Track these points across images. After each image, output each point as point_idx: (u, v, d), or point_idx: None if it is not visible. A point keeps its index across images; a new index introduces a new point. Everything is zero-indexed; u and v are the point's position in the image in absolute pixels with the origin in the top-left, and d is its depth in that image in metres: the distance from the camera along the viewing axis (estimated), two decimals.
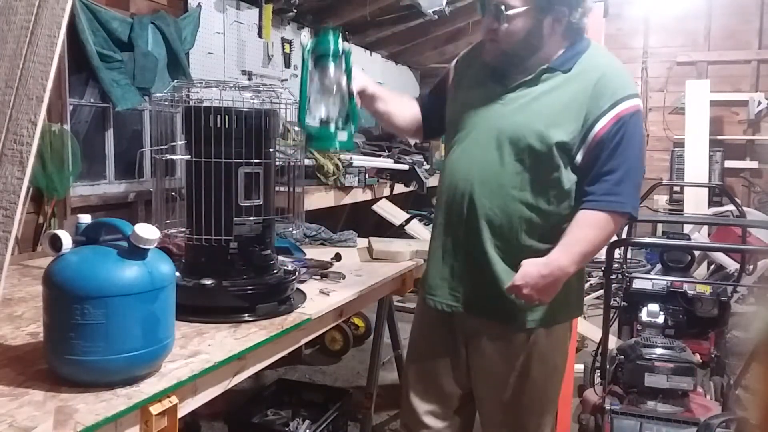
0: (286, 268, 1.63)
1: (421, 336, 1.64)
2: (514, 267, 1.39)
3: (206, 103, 1.47)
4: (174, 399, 1.10)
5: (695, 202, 5.47)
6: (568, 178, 1.38)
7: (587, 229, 1.35)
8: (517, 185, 1.38)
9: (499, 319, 1.45)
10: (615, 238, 1.78)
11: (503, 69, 1.43)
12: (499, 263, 1.42)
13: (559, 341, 1.50)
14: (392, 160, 3.97)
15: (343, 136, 1.43)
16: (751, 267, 3.71)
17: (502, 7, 1.33)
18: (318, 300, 1.68)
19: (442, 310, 1.51)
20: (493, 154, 1.39)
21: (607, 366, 2.14)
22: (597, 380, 2.20)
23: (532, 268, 1.35)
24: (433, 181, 4.06)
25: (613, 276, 2.46)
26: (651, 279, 2.81)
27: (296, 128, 2.11)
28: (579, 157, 1.37)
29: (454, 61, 1.60)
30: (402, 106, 1.63)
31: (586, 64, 1.38)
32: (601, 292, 3.19)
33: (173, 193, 1.56)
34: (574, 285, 1.46)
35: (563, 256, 1.35)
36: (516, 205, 1.39)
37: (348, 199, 3.32)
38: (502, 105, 1.41)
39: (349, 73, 1.44)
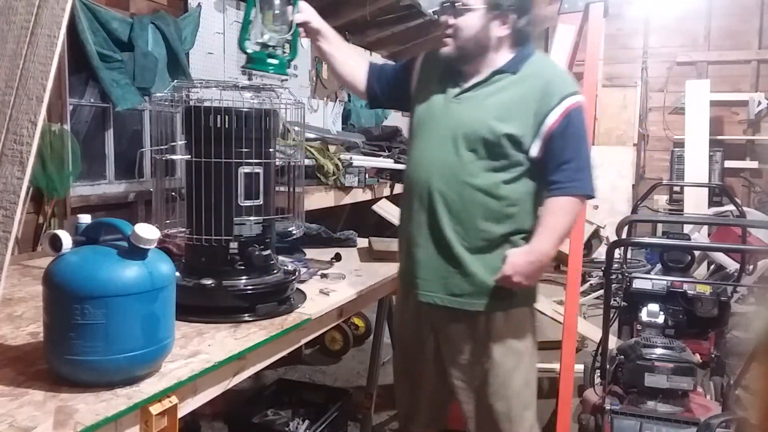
0: (286, 268, 1.63)
1: (401, 327, 1.77)
2: (472, 250, 1.52)
3: (206, 103, 1.47)
4: (174, 399, 1.10)
5: (695, 202, 5.47)
6: (519, 167, 1.51)
7: (560, 215, 1.49)
8: (472, 173, 1.50)
9: (459, 301, 1.55)
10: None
11: (458, 68, 1.56)
12: (458, 246, 1.53)
13: (518, 326, 1.58)
14: (392, 160, 3.97)
15: (277, 61, 1.51)
16: (751, 267, 3.71)
17: (458, 4, 1.49)
18: (318, 300, 1.68)
19: (414, 299, 1.62)
20: (449, 146, 1.52)
21: (607, 366, 2.14)
22: (597, 380, 2.19)
23: (518, 258, 1.50)
24: None
25: (613, 276, 2.46)
26: (651, 279, 2.80)
27: (296, 128, 2.11)
28: (535, 150, 1.50)
29: (420, 58, 1.71)
30: (346, 55, 1.74)
31: (534, 68, 1.53)
32: (601, 292, 3.19)
33: (173, 193, 1.56)
34: None
35: (544, 242, 1.49)
36: (472, 192, 1.51)
37: (348, 199, 3.32)
38: (458, 104, 1.54)
39: (294, 3, 1.52)
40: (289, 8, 1.52)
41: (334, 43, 1.69)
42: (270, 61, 1.49)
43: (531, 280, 1.51)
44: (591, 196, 1.54)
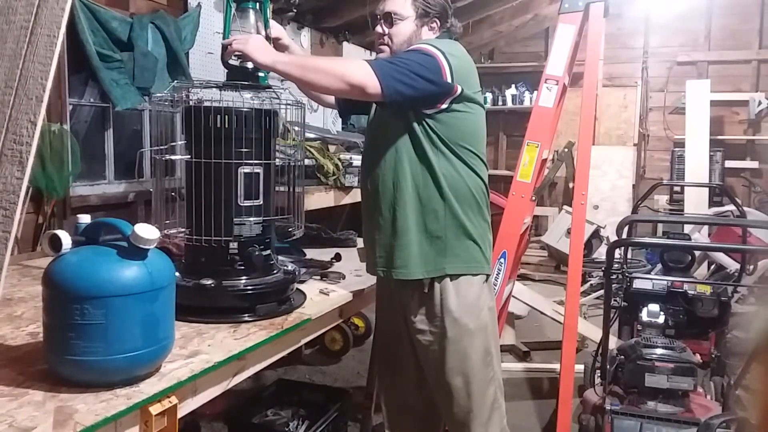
0: (285, 268, 1.63)
1: (379, 312, 1.85)
2: (409, 221, 1.61)
3: (206, 103, 1.47)
4: (174, 399, 1.10)
5: (696, 202, 5.46)
6: (432, 149, 1.58)
7: (333, 59, 1.52)
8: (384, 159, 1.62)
9: (400, 271, 1.62)
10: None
11: None
12: (393, 220, 1.63)
13: (468, 303, 1.64)
14: None
15: (263, 73, 1.57)
16: (751, 267, 3.70)
17: (393, 15, 1.63)
18: (318, 300, 1.68)
19: (380, 278, 1.73)
20: (370, 143, 1.70)
21: (608, 366, 2.14)
22: (597, 380, 2.19)
23: (255, 36, 1.53)
24: None
25: (614, 276, 2.45)
26: (651, 279, 2.79)
27: (296, 128, 2.11)
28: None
29: None
30: None
31: None
32: (602, 292, 3.18)
33: (173, 194, 1.56)
34: (456, 240, 1.61)
35: (285, 55, 1.56)
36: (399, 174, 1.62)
37: (348, 199, 3.31)
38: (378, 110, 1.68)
39: (266, 20, 1.59)
40: (262, 24, 1.59)
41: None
42: (259, 74, 1.55)
43: (246, 45, 1.47)
44: (375, 74, 1.45)
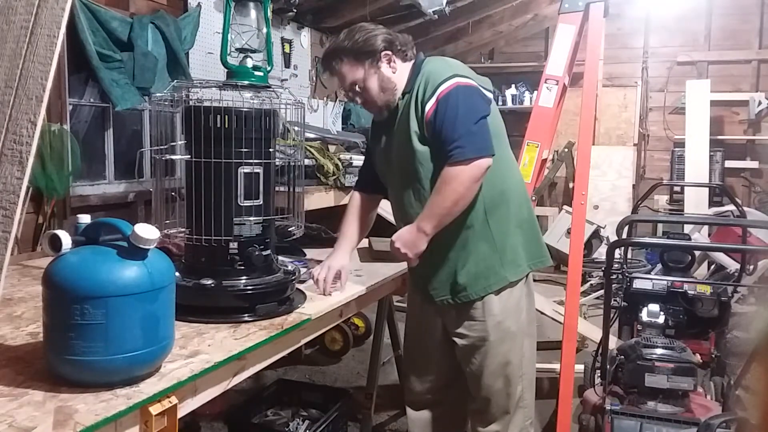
0: (286, 268, 1.63)
1: (413, 320, 1.91)
2: (449, 248, 1.68)
3: (206, 103, 1.47)
4: (174, 399, 1.10)
5: (696, 202, 5.46)
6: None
7: (440, 187, 1.56)
8: (424, 187, 1.67)
9: (450, 295, 1.71)
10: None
11: (389, 114, 1.72)
12: (441, 248, 1.69)
13: (510, 309, 1.71)
14: None
15: (262, 72, 1.56)
16: (751, 267, 3.70)
17: (356, 84, 1.67)
18: (318, 300, 1.68)
19: (422, 298, 1.80)
20: (397, 176, 1.72)
21: (608, 366, 2.14)
22: (597, 380, 2.19)
23: (403, 231, 1.66)
24: None
25: (614, 276, 2.45)
26: (651, 279, 2.79)
27: (296, 128, 2.11)
28: (429, 142, 1.62)
29: (371, 125, 1.91)
30: (368, 219, 1.93)
31: (420, 77, 1.66)
32: (602, 292, 3.18)
33: (173, 193, 1.56)
34: (489, 252, 1.67)
35: (423, 221, 1.61)
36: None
37: (348, 199, 3.32)
38: (391, 136, 1.73)
39: (267, 20, 1.58)
40: (263, 23, 1.58)
41: (361, 237, 1.93)
42: (256, 73, 1.54)
43: (410, 248, 1.64)
44: (481, 155, 1.55)
